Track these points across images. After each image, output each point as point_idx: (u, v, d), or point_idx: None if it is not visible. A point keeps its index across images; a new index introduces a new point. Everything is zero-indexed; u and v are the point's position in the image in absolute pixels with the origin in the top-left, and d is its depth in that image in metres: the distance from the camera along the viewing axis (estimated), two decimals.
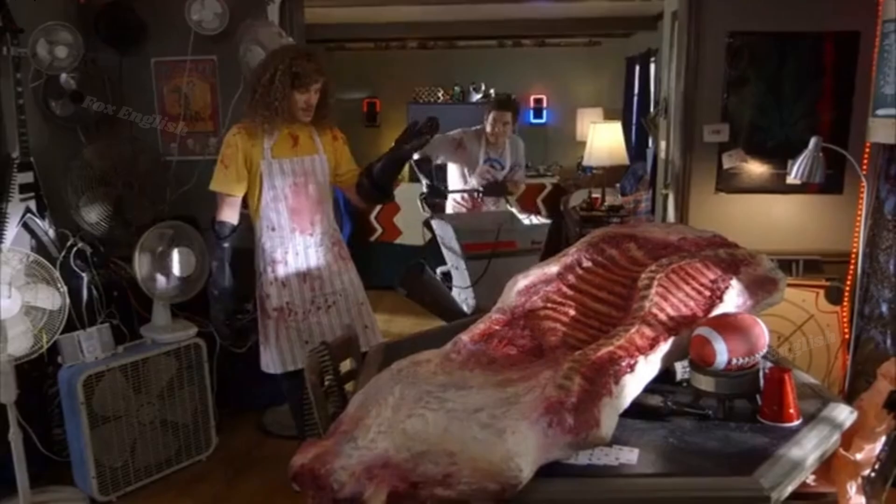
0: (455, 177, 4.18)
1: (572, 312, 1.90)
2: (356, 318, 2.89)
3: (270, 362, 2.86)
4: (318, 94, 2.71)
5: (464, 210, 4.18)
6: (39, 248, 2.97)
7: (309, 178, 2.77)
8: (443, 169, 4.24)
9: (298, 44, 3.36)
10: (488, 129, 4.03)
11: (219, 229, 2.73)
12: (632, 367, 1.60)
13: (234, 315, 2.85)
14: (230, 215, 2.74)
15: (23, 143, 2.89)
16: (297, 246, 2.79)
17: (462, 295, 3.65)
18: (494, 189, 4.08)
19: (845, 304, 3.26)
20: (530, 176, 6.13)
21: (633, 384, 1.61)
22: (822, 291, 3.29)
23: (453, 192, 4.18)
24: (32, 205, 2.96)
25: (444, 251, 3.88)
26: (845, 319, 3.25)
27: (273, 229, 2.76)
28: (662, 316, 1.77)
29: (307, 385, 2.05)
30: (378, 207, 5.77)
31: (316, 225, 2.82)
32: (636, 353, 1.64)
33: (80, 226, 3.13)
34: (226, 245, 2.74)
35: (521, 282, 2.02)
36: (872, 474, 1.76)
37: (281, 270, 2.79)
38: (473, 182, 4.10)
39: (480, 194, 4.12)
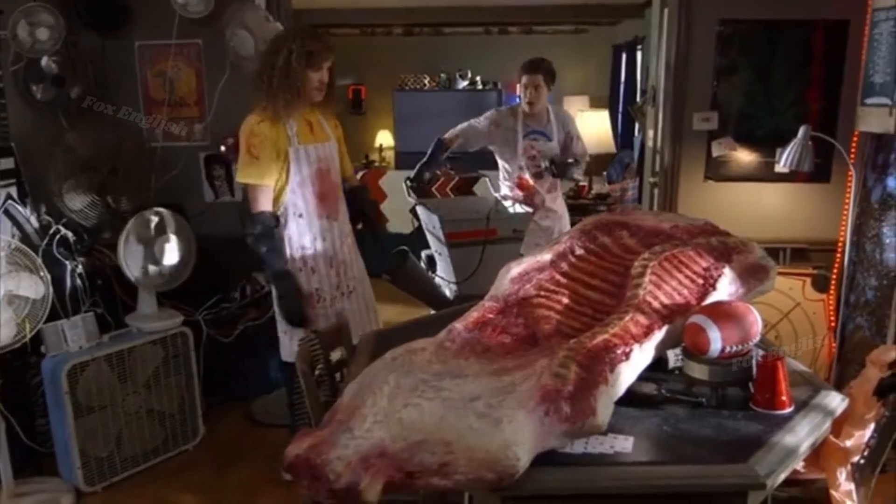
0: (501, 167, 3.82)
1: (565, 300, 1.89)
2: (370, 304, 2.91)
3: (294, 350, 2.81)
4: (329, 73, 2.67)
5: (521, 195, 3.70)
6: (21, 235, 2.91)
7: (331, 164, 2.77)
8: (452, 156, 3.84)
9: (301, 24, 3.30)
10: (522, 96, 3.66)
11: (264, 220, 2.63)
12: (627, 355, 1.60)
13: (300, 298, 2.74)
14: (267, 205, 2.66)
15: (3, 127, 2.83)
16: (324, 231, 2.76)
17: (445, 281, 3.64)
18: (560, 168, 3.63)
19: (832, 292, 3.29)
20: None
21: (629, 372, 1.61)
22: (808, 279, 3.31)
23: (506, 197, 3.78)
24: (13, 191, 2.91)
25: (429, 237, 3.86)
26: (832, 307, 3.28)
27: (301, 216, 2.71)
28: (656, 304, 1.77)
29: (298, 373, 2.03)
30: None
31: (340, 210, 2.82)
32: (631, 341, 1.64)
33: (63, 213, 3.08)
34: (277, 230, 2.66)
35: (514, 269, 2.02)
36: (862, 461, 1.78)
37: (310, 256, 2.75)
38: (521, 162, 3.68)
39: (550, 171, 3.64)
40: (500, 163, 3.85)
